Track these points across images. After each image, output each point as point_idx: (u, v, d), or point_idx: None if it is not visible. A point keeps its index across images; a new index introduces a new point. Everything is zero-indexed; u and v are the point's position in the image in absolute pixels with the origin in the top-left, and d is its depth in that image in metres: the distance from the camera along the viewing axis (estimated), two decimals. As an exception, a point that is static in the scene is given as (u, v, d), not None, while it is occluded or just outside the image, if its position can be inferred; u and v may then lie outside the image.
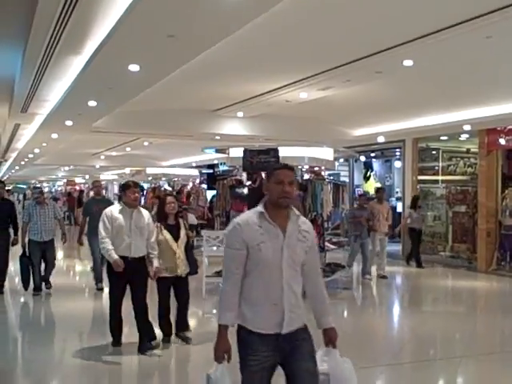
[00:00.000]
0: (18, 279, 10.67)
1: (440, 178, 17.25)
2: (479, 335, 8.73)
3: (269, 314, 3.38)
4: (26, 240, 10.30)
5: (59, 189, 48.63)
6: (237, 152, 11.67)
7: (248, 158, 11.06)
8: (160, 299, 7.06)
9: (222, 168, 24.79)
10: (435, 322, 9.21)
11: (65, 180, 45.25)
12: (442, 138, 16.39)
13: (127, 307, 6.91)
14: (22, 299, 10.23)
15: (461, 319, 9.54)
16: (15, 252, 10.54)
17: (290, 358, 3.40)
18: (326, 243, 11.50)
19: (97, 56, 8.05)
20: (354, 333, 8.32)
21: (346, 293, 11.45)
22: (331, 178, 13.58)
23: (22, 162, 30.58)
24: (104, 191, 33.11)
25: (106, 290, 10.60)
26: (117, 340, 7.01)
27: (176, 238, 7.04)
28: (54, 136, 17.30)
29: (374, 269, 13.14)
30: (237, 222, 3.49)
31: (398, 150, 18.08)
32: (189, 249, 7.31)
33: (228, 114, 14.67)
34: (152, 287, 7.13)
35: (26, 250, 10.29)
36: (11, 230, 10.51)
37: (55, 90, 11.33)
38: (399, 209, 17.62)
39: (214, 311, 9.56)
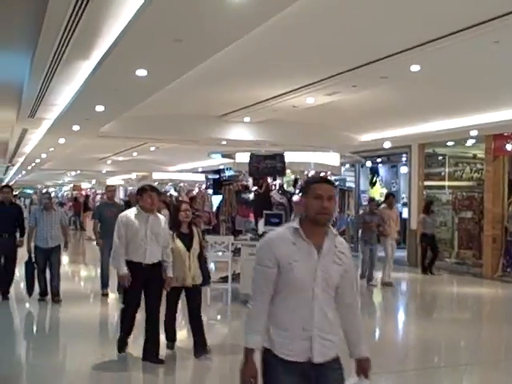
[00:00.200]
0: (23, 285, 10.64)
1: (446, 183, 17.22)
2: (484, 342, 8.68)
3: (298, 340, 3.11)
4: (32, 245, 10.17)
5: (65, 194, 48.73)
6: (243, 157, 11.69)
7: (254, 164, 11.07)
8: (167, 307, 6.87)
9: (228, 173, 24.83)
10: (440, 329, 9.18)
11: (71, 185, 45.36)
12: (448, 143, 16.37)
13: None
14: (28, 305, 10.21)
15: (466, 326, 9.50)
16: (21, 257, 10.51)
17: None
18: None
19: (104, 61, 8.10)
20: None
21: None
22: (337, 183, 13.57)
23: (29, 167, 30.70)
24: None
25: (112, 295, 10.70)
26: (123, 347, 6.85)
27: (189, 247, 6.75)
28: (62, 141, 17.37)
29: (377, 275, 13.06)
30: (269, 238, 3.24)
31: (404, 155, 18.06)
32: (202, 259, 7.00)
33: (234, 119, 14.71)
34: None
35: (32, 255, 10.17)
36: (17, 234, 10.40)
37: (63, 94, 11.39)
38: (405, 214, 17.59)
39: (219, 317, 9.57)
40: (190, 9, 5.97)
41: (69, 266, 15.43)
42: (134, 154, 23.46)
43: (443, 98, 11.89)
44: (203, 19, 6.26)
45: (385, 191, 19.01)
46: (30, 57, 9.09)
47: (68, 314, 9.62)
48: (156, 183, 22.85)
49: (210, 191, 24.21)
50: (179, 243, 6.73)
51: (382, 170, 21.37)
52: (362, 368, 3.31)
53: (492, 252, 14.33)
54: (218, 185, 23.52)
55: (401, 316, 10.97)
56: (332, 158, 12.07)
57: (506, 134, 13.88)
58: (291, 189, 12.36)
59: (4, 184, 12.17)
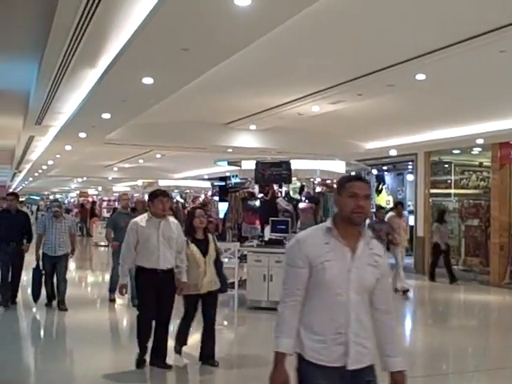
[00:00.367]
0: (30, 291, 10.66)
1: (452, 191, 17.19)
2: (492, 350, 8.66)
3: (332, 345, 2.96)
4: (40, 252, 10.13)
5: (72, 200, 48.87)
6: (249, 164, 11.72)
7: (260, 171, 11.11)
8: (186, 314, 6.78)
9: (234, 180, 24.84)
10: (448, 336, 9.16)
11: (77, 191, 45.49)
12: (454, 151, 16.37)
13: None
14: (34, 310, 10.25)
15: (473, 333, 9.49)
16: (28, 264, 10.52)
17: None
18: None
19: (111, 69, 8.13)
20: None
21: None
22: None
23: (36, 174, 30.78)
24: (116, 203, 33.40)
25: (119, 301, 10.72)
26: (141, 364, 6.61)
27: (204, 253, 6.67)
28: (68, 148, 17.42)
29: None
30: (300, 236, 3.12)
31: (410, 163, 18.05)
32: (218, 265, 6.87)
33: (240, 126, 14.73)
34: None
35: (40, 262, 10.14)
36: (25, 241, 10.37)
37: (70, 102, 11.45)
38: (411, 222, 17.56)
39: (226, 323, 9.57)
40: (197, 18, 6.00)
41: (75, 272, 15.46)
42: (140, 161, 23.51)
43: (449, 106, 11.89)
44: (210, 28, 6.29)
45: (391, 199, 18.99)
46: (37, 65, 9.14)
47: (75, 320, 9.67)
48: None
49: (216, 198, 24.23)
50: (195, 249, 6.64)
51: (388, 177, 21.35)
52: (397, 382, 3.09)
53: (499, 259, 14.31)
54: (224, 192, 23.55)
55: (408, 323, 10.93)
56: (338, 166, 12.08)
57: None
58: (297, 196, 12.36)
59: (10, 192, 11.98)
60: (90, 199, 38.23)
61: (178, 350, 6.96)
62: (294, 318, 3.01)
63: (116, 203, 33.71)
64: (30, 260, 10.50)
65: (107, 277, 11.84)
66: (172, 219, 6.77)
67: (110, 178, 31.90)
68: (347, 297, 2.96)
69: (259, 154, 14.71)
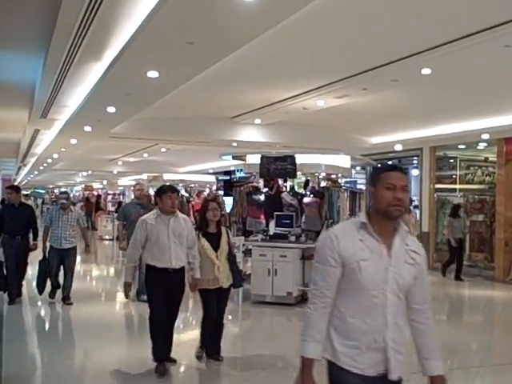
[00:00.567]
0: (35, 284, 10.65)
1: (458, 186, 17.14)
2: (496, 345, 8.66)
3: (367, 351, 2.75)
4: (48, 244, 10.08)
5: (77, 194, 49.00)
6: (254, 159, 11.72)
7: (265, 165, 11.11)
8: (206, 312, 6.53)
9: (238, 174, 24.85)
10: (452, 331, 9.14)
11: (82, 185, 45.60)
12: (459, 146, 16.32)
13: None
14: (39, 303, 10.28)
15: (478, 329, 9.50)
16: (35, 257, 10.52)
17: None
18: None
19: (116, 63, 8.13)
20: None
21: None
22: (348, 185, 13.56)
23: (41, 167, 30.86)
24: (121, 197, 33.45)
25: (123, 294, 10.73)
26: (164, 373, 6.24)
27: (216, 247, 6.47)
28: (73, 141, 17.45)
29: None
30: (332, 233, 2.86)
31: (415, 158, 18.02)
32: (231, 259, 6.68)
33: (245, 121, 14.73)
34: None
35: (46, 254, 10.09)
36: (30, 236, 10.34)
37: (75, 96, 11.45)
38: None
39: (230, 317, 9.58)
40: (202, 12, 5.99)
41: (80, 266, 15.48)
42: (145, 155, 23.54)
43: (454, 101, 11.87)
44: (215, 22, 6.28)
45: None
46: (42, 58, 9.15)
47: (79, 313, 9.70)
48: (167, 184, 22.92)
49: (221, 192, 24.25)
50: (206, 244, 6.46)
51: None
52: None
53: (504, 255, 14.30)
54: (228, 186, 23.56)
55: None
56: (343, 160, 12.07)
57: (517, 138, 13.84)
58: (302, 190, 12.36)
59: (10, 185, 11.79)
60: (95, 193, 38.30)
61: (200, 355, 6.67)
62: (323, 321, 2.79)
63: (121, 197, 33.80)
64: (35, 254, 10.49)
65: (112, 270, 11.87)
66: (182, 215, 6.53)
67: (114, 172, 31.97)
68: (384, 298, 2.75)
69: (264, 148, 14.72)
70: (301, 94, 11.36)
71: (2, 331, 8.15)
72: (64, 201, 10.23)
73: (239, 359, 7.00)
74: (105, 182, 39.23)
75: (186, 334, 8.16)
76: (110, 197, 34.97)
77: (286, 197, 11.52)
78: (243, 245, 10.82)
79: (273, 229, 11.18)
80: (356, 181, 19.21)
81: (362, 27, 7.54)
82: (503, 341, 8.93)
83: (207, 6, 5.84)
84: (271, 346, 7.91)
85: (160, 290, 6.17)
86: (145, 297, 9.29)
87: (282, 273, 10.24)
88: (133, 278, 6.71)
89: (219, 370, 6.58)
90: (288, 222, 10.99)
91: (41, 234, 10.43)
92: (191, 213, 18.85)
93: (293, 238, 10.72)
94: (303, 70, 9.84)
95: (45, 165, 28.59)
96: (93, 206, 32.52)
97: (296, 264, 10.37)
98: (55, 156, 23.14)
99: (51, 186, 60.05)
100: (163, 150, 21.24)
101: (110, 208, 31.39)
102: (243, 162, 12.94)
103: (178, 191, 6.60)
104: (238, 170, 24.98)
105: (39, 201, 53.61)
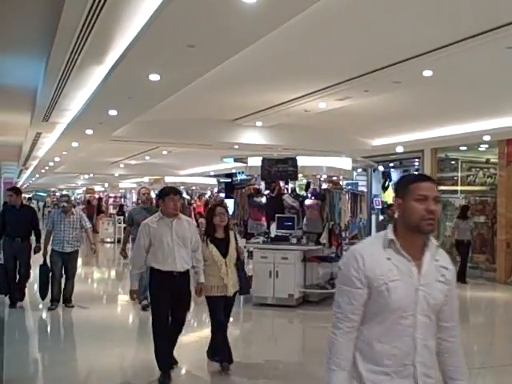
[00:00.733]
0: (37, 287, 10.62)
1: (459, 188, 17.13)
2: (498, 347, 8.67)
3: (396, 378, 2.54)
4: (49, 249, 10.02)
5: (78, 197, 49.02)
6: (255, 161, 11.73)
7: (266, 167, 11.12)
8: (213, 319, 6.42)
9: (240, 177, 24.87)
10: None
11: (84, 188, 45.63)
12: (461, 148, 16.32)
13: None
14: (41, 306, 10.27)
15: (479, 330, 9.48)
16: (36, 260, 10.49)
17: None
18: (344, 253, 11.48)
19: (118, 66, 8.14)
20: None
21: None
22: (349, 187, 13.57)
23: (43, 170, 30.88)
24: (123, 199, 33.45)
25: (125, 297, 10.75)
26: (167, 376, 6.08)
27: (224, 253, 6.33)
28: (75, 144, 17.46)
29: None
30: (357, 251, 2.61)
31: (416, 159, 18.02)
32: (239, 266, 6.57)
33: (247, 123, 14.73)
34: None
35: (47, 258, 10.03)
36: (32, 238, 10.30)
37: (76, 99, 11.46)
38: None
39: (231, 319, 9.57)
40: (203, 15, 6.00)
41: (82, 269, 15.49)
42: (147, 157, 23.55)
43: (456, 102, 11.87)
44: (216, 25, 6.29)
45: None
46: (44, 61, 9.16)
47: (81, 316, 9.70)
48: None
49: (222, 195, 24.26)
50: (214, 250, 6.32)
51: (395, 174, 21.31)
52: None
53: (505, 256, 14.29)
54: (229, 189, 23.58)
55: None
56: (344, 162, 12.08)
57: (519, 139, 13.84)
58: (303, 193, 12.37)
59: (10, 187, 11.72)
60: (97, 196, 38.29)
61: (226, 368, 6.45)
62: (349, 348, 2.58)
63: (122, 200, 33.79)
64: (35, 258, 10.45)
65: (113, 273, 11.87)
66: (185, 217, 6.40)
67: (116, 175, 31.98)
68: (414, 320, 2.54)
69: (265, 150, 14.75)
70: (302, 96, 11.36)
71: (3, 334, 8.15)
72: (65, 204, 10.22)
73: (240, 362, 6.98)
74: (106, 185, 39.26)
75: (188, 337, 8.14)
76: (111, 200, 34.98)
77: (288, 199, 11.53)
78: (244, 247, 10.83)
79: (274, 231, 11.19)
80: (357, 183, 19.23)
81: (364, 29, 7.55)
82: (505, 342, 8.92)
83: (208, 9, 5.85)
84: (272, 348, 7.91)
85: (164, 294, 6.03)
86: (145, 302, 9.42)
87: (284, 275, 10.25)
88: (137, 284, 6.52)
89: (220, 373, 6.57)
90: (289, 224, 11.00)
91: (42, 237, 10.37)
92: (192, 215, 18.87)
93: (294, 240, 10.73)
94: (305, 72, 9.85)
95: (46, 168, 28.61)
96: (94, 208, 32.51)
97: (297, 266, 10.38)
98: (57, 159, 23.16)
99: (53, 189, 60.08)
100: (165, 152, 21.24)
101: (112, 211, 31.39)
102: (244, 165, 12.95)
103: (180, 193, 6.47)
104: (239, 173, 24.99)
105: (41, 204, 53.64)
